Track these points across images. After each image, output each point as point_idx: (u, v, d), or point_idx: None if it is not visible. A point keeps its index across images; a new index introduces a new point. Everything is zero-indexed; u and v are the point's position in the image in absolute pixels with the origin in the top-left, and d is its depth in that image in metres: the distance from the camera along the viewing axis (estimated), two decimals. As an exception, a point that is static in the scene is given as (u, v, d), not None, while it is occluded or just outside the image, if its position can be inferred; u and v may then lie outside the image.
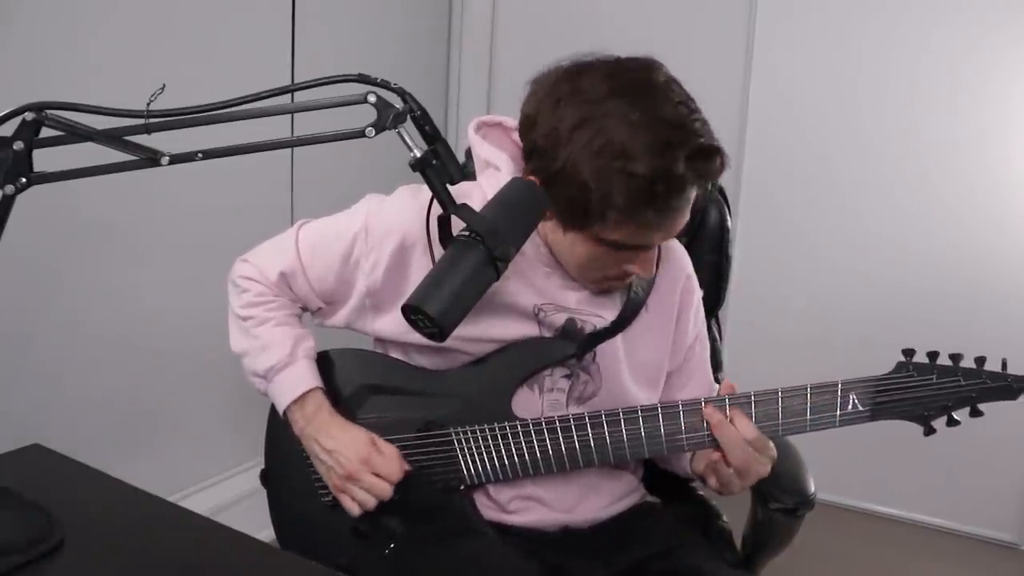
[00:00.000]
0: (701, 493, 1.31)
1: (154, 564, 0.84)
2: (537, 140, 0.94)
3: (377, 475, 0.99)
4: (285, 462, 1.12)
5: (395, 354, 1.10)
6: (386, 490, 0.99)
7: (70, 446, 1.05)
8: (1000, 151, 2.18)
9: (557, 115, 0.91)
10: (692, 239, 1.32)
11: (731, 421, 0.97)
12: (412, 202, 1.02)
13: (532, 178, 0.95)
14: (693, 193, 0.92)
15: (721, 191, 1.35)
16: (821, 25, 2.30)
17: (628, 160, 0.87)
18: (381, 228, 1.02)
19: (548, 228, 1.00)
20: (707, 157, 0.89)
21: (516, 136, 1.02)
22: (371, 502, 1.00)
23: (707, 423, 0.98)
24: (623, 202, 0.88)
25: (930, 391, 0.98)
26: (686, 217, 0.95)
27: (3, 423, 1.41)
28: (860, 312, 2.36)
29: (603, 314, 1.06)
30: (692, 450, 1.05)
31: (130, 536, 0.89)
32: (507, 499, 1.07)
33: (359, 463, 0.99)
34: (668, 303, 1.11)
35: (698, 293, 1.16)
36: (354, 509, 1.01)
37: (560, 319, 1.04)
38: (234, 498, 1.97)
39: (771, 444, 0.98)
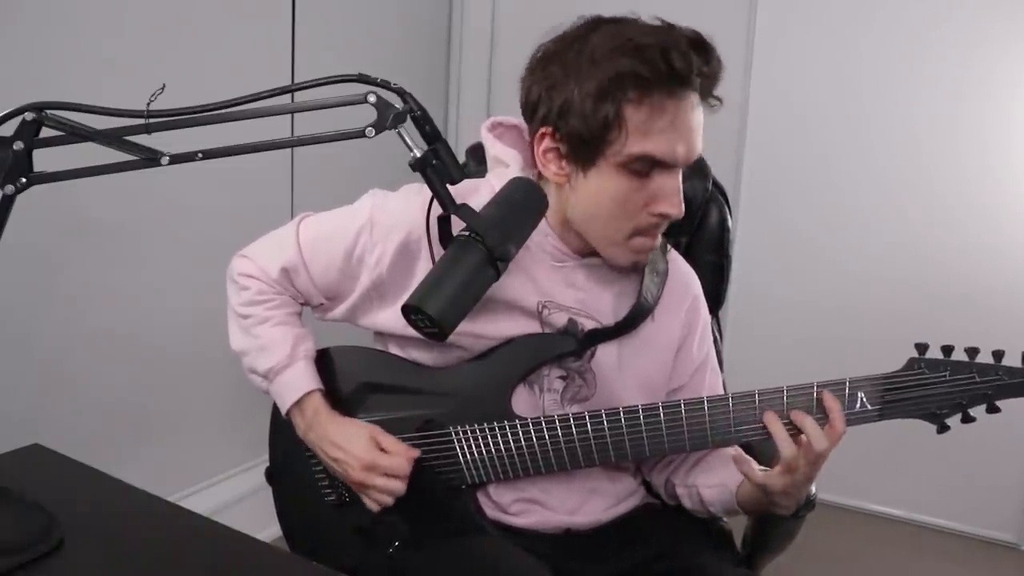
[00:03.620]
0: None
1: (154, 564, 0.84)
2: (533, 94, 0.96)
3: (386, 474, 0.99)
4: (289, 460, 1.12)
5: (394, 349, 1.09)
6: (398, 487, 0.99)
7: (70, 446, 1.05)
8: (1000, 150, 2.18)
9: (550, 68, 0.95)
10: (692, 239, 1.32)
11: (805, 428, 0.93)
12: (417, 198, 1.02)
13: (543, 129, 0.96)
14: (699, 106, 0.93)
15: (722, 191, 1.35)
16: (821, 25, 2.30)
17: (634, 38, 0.89)
18: (387, 222, 1.02)
19: (567, 195, 0.99)
20: (706, 44, 0.91)
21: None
22: (388, 500, 1.00)
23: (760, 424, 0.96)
24: (637, 69, 0.88)
25: (943, 389, 0.94)
26: (698, 133, 0.94)
27: (3, 423, 1.41)
28: (860, 312, 2.36)
29: (603, 318, 1.05)
30: (694, 449, 1.04)
31: (130, 536, 0.89)
32: (508, 501, 1.07)
33: (364, 470, 0.99)
34: (673, 319, 1.10)
35: (705, 315, 1.15)
36: (374, 507, 1.02)
37: (562, 318, 1.04)
38: (234, 498, 1.97)
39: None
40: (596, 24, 0.95)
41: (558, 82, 0.93)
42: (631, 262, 1.02)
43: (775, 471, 0.94)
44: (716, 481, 1.07)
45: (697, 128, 0.94)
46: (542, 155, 0.99)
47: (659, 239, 1.02)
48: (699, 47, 0.90)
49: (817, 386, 0.96)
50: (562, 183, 0.99)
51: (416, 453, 1.01)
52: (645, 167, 0.93)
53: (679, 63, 0.88)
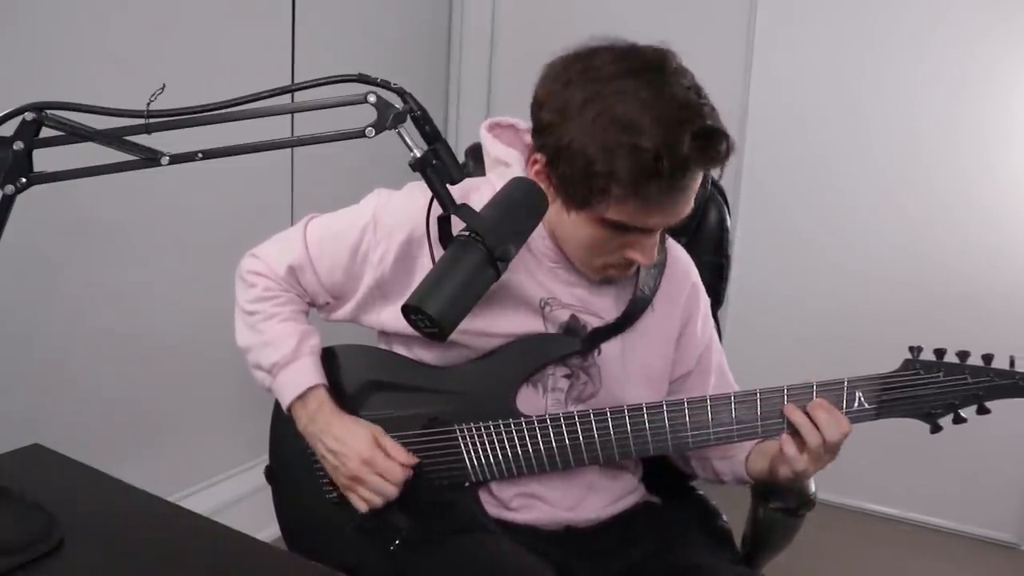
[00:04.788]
0: (700, 492, 1.31)
1: (154, 564, 0.84)
2: (544, 117, 0.95)
3: (381, 474, 0.99)
4: (289, 459, 1.12)
5: (398, 348, 1.10)
6: (391, 489, 1.00)
7: (70, 446, 1.05)
8: (1000, 150, 2.18)
9: (567, 93, 0.92)
10: (692, 239, 1.32)
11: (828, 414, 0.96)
12: (421, 197, 1.02)
13: (539, 156, 0.96)
14: (698, 177, 0.92)
15: (721, 191, 1.35)
16: (821, 25, 2.30)
17: (635, 134, 0.87)
18: (390, 220, 1.02)
19: (552, 213, 0.99)
20: (714, 139, 0.89)
21: (528, 138, 1.03)
22: (377, 501, 1.00)
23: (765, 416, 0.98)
24: (627, 176, 0.88)
25: (937, 389, 0.97)
26: (689, 203, 0.95)
27: (3, 423, 1.41)
28: (860, 312, 2.36)
29: (604, 314, 1.06)
30: (697, 448, 1.05)
31: (130, 536, 0.89)
32: (509, 497, 1.07)
33: (362, 464, 0.99)
34: (673, 308, 1.12)
35: (705, 300, 1.17)
36: (362, 507, 1.02)
37: (563, 315, 1.05)
38: (234, 498, 1.97)
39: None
40: (623, 72, 0.90)
41: (566, 118, 0.92)
42: (603, 280, 1.05)
43: (804, 458, 0.97)
44: (729, 454, 1.12)
45: (686, 200, 0.94)
46: (534, 173, 0.99)
47: (632, 270, 1.04)
48: (705, 142, 0.88)
49: (817, 386, 0.98)
50: (551, 200, 0.98)
51: (415, 460, 1.01)
52: (623, 228, 0.94)
53: (671, 169, 0.87)
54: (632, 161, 0.88)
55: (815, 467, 0.98)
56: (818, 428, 0.95)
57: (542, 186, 0.96)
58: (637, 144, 0.87)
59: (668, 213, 0.94)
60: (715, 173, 0.95)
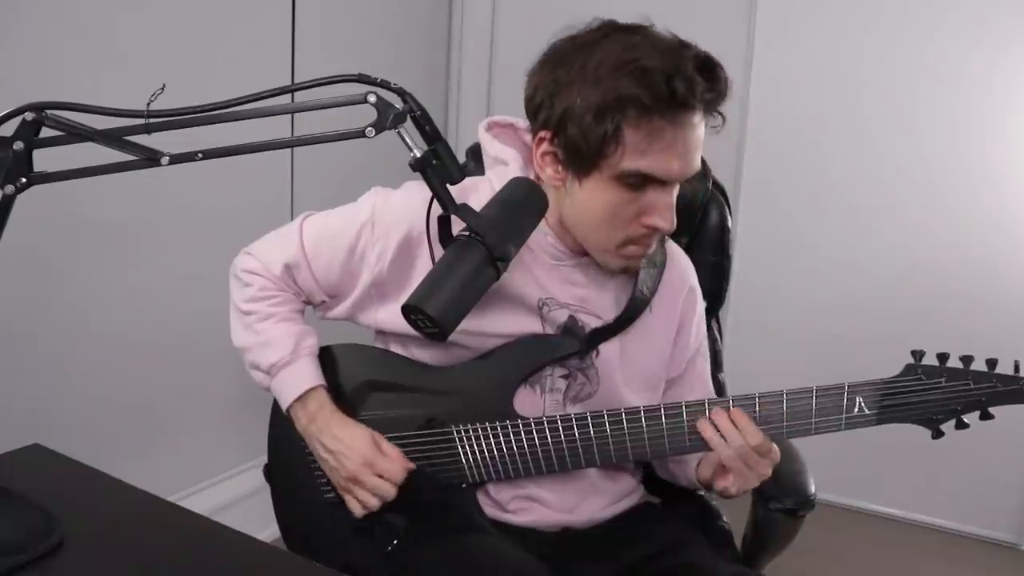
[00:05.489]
0: (701, 493, 1.31)
1: (154, 564, 0.84)
2: (539, 97, 0.95)
3: (380, 476, 0.99)
4: (288, 459, 1.12)
5: (396, 348, 1.10)
6: (389, 491, 1.00)
7: (70, 446, 1.05)
8: (1000, 149, 2.18)
9: (558, 70, 0.93)
10: (692, 240, 1.32)
11: (735, 425, 0.96)
12: (419, 195, 1.02)
13: (543, 133, 0.96)
14: (701, 122, 0.92)
15: (722, 191, 1.35)
16: (821, 25, 2.30)
17: (640, 59, 0.88)
18: (388, 219, 1.02)
19: (562, 200, 0.99)
20: (714, 67, 0.90)
21: (527, 137, 1.03)
22: (374, 503, 1.00)
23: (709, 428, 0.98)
24: (638, 100, 0.87)
25: (939, 395, 0.96)
26: (699, 151, 0.93)
27: (3, 423, 1.41)
28: (860, 312, 2.36)
29: (603, 314, 1.06)
30: (694, 452, 1.05)
31: (130, 536, 0.89)
32: (507, 499, 1.07)
33: (361, 464, 0.99)
34: (670, 311, 1.11)
35: (701, 305, 1.16)
36: (357, 509, 1.02)
37: (562, 315, 1.04)
38: (234, 498, 1.97)
39: (775, 448, 0.98)
40: (608, 31, 0.93)
41: (562, 88, 0.92)
42: (622, 267, 1.03)
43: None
44: (681, 458, 1.13)
45: (696, 146, 0.93)
46: (540, 157, 0.99)
47: (652, 247, 1.02)
48: (706, 70, 0.89)
49: (816, 390, 0.97)
50: (559, 187, 0.99)
51: (413, 466, 1.01)
52: (639, 181, 0.93)
53: (682, 89, 0.87)
54: (640, 81, 0.87)
55: (741, 483, 0.98)
56: (727, 441, 0.96)
57: (550, 170, 0.97)
58: (643, 65, 0.87)
59: (680, 156, 0.92)
60: (717, 121, 0.94)
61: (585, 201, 0.96)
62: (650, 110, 0.88)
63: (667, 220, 0.95)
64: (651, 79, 0.87)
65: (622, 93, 0.88)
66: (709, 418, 0.97)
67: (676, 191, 0.96)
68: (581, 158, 0.93)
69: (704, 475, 1.06)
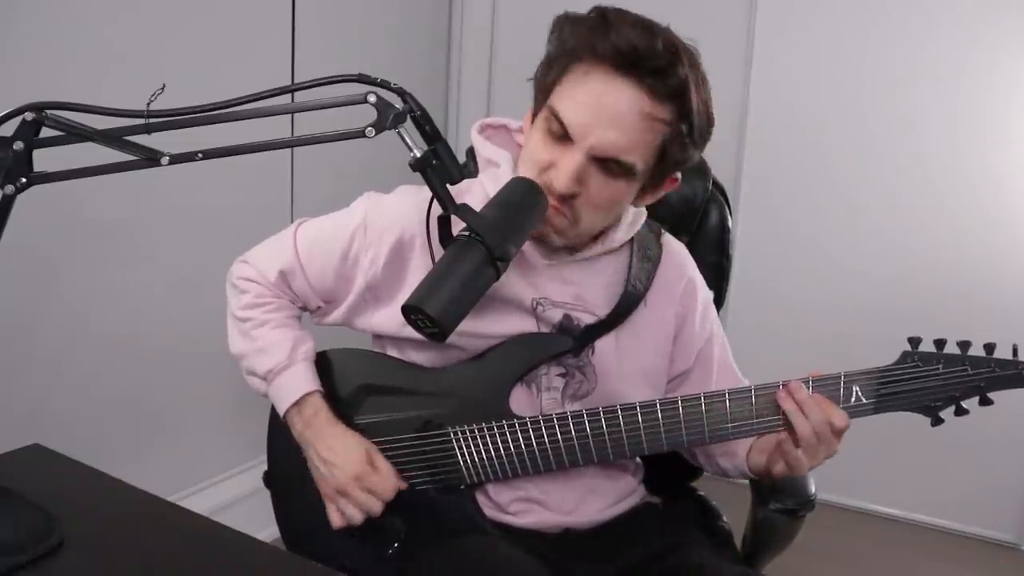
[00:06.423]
0: (701, 493, 1.31)
1: (154, 564, 0.84)
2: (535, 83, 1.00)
3: (369, 491, 0.99)
4: (287, 464, 1.12)
5: (391, 351, 1.10)
6: (376, 507, 0.99)
7: (70, 446, 1.05)
8: (1000, 149, 2.18)
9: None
10: (693, 240, 1.32)
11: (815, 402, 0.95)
12: (411, 198, 1.02)
13: (531, 108, 0.98)
14: (638, 94, 0.90)
15: (723, 191, 1.35)
16: (821, 25, 2.30)
17: (606, 14, 0.93)
18: (381, 223, 1.02)
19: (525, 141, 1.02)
20: (651, 30, 0.91)
21: (520, 138, 1.03)
22: (358, 518, 1.00)
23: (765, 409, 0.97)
24: (592, 41, 0.91)
25: (936, 381, 0.95)
26: (623, 121, 0.91)
27: (3, 423, 1.41)
28: (861, 312, 2.36)
29: (598, 310, 1.06)
30: (694, 445, 1.04)
31: (130, 536, 0.89)
32: (507, 501, 1.07)
33: (351, 479, 0.99)
34: (668, 304, 1.11)
35: (703, 295, 1.15)
36: (336, 520, 1.01)
37: (556, 315, 1.04)
38: (234, 498, 1.97)
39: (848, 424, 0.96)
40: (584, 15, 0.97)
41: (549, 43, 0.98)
42: (550, 237, 1.00)
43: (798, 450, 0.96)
44: (731, 450, 1.11)
45: (617, 116, 0.90)
46: (531, 116, 1.00)
47: (566, 226, 0.98)
48: (644, 30, 0.90)
49: (813, 381, 0.97)
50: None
51: (404, 485, 1.02)
52: (558, 130, 0.93)
53: (613, 39, 0.89)
54: (584, 32, 0.92)
55: (810, 460, 0.96)
56: (806, 416, 0.94)
57: (538, 134, 0.97)
58: (591, 22, 0.93)
59: (594, 112, 0.90)
60: (665, 114, 0.92)
61: (527, 141, 0.99)
62: (585, 54, 0.91)
63: (560, 180, 0.92)
64: (591, 26, 0.92)
65: (575, 42, 0.92)
66: (795, 399, 0.95)
67: (582, 160, 0.92)
68: (538, 93, 0.98)
69: (758, 462, 1.05)
